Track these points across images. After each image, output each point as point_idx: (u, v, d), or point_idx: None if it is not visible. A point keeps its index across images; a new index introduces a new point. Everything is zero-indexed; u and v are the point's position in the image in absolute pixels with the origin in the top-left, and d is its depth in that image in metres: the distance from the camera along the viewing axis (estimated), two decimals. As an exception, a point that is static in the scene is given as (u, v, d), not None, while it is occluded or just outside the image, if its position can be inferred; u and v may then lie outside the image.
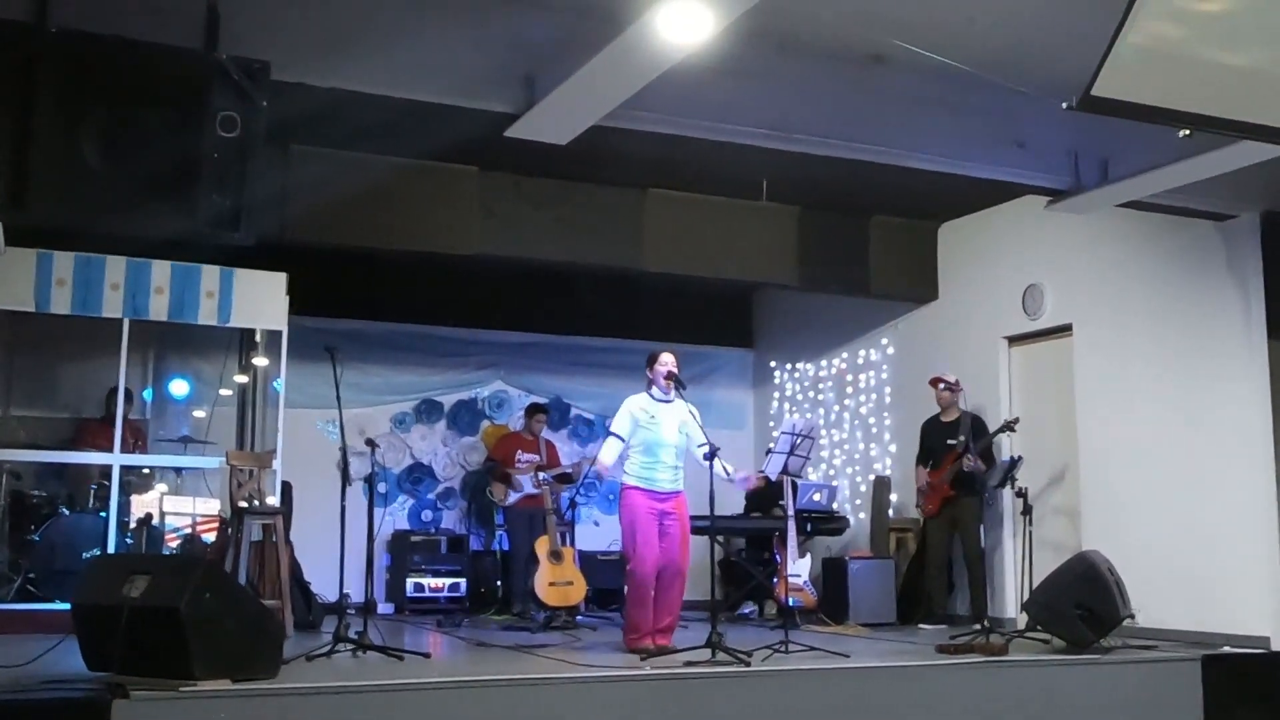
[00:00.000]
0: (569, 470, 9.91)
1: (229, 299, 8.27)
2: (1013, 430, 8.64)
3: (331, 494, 6.51)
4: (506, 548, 10.05)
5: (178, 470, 9.29)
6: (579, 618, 8.78)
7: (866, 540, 10.32)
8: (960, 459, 8.70)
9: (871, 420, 10.77)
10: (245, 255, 7.45)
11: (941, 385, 9.10)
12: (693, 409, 6.91)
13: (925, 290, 10.19)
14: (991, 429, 9.01)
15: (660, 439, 6.83)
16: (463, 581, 10.32)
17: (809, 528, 9.44)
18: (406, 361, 11.11)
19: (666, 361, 6.94)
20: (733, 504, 9.54)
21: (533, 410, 10.23)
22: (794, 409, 11.72)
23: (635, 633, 6.77)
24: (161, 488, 9.18)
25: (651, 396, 6.95)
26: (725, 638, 6.13)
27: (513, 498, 9.71)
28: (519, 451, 9.87)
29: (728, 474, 6.80)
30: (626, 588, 6.87)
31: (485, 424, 11.38)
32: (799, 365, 11.79)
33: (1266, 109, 5.00)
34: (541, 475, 9.42)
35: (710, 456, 6.51)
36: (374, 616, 6.61)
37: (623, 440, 6.86)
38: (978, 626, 7.46)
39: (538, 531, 9.00)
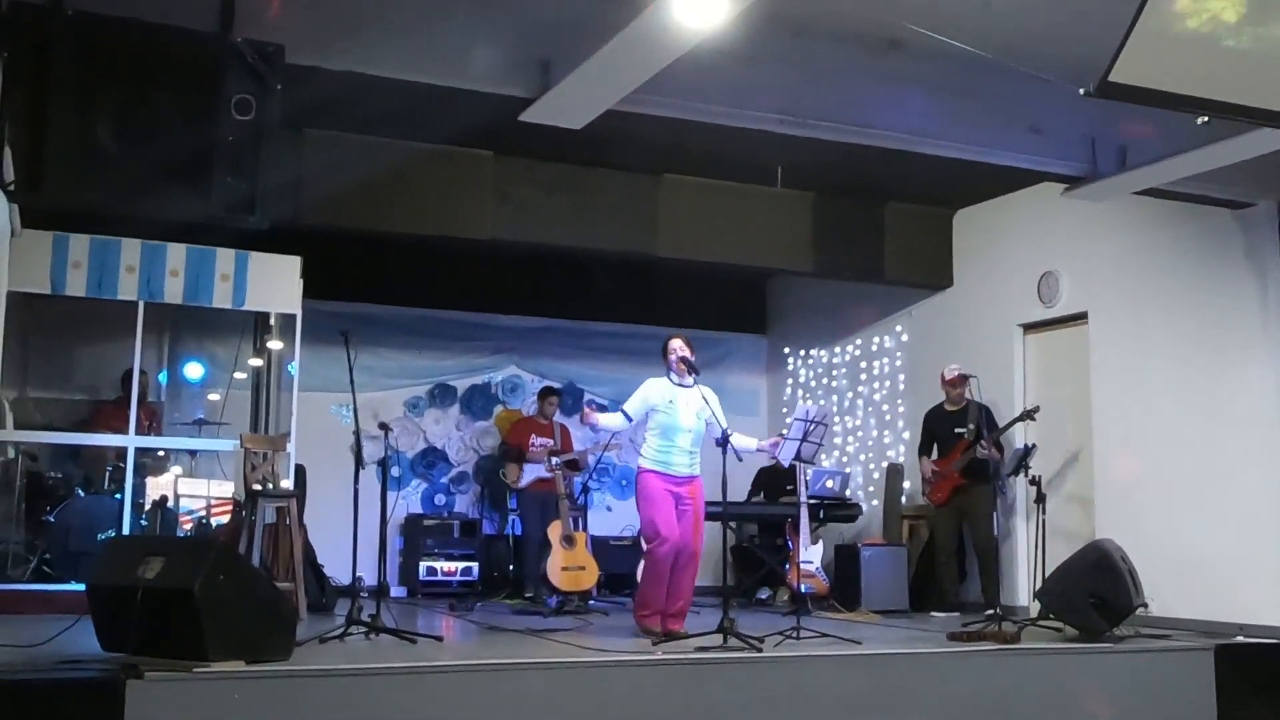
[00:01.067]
0: (576, 458, 9.91)
1: (244, 282, 8.29)
2: (1032, 419, 8.60)
3: (345, 477, 6.53)
4: (519, 532, 10.06)
5: (192, 453, 9.32)
6: (591, 602, 8.79)
7: (879, 527, 10.31)
8: (972, 447, 8.67)
9: (885, 407, 10.75)
10: (260, 239, 7.46)
11: (950, 378, 9.07)
12: (707, 394, 6.91)
13: (940, 277, 10.16)
14: (1004, 417, 9.00)
15: (677, 424, 6.82)
16: (475, 565, 10.36)
17: (822, 514, 9.44)
18: (420, 346, 11.12)
19: (676, 348, 6.93)
20: (738, 487, 9.45)
21: (545, 394, 10.24)
22: (807, 395, 11.70)
23: (646, 609, 6.78)
24: (176, 470, 9.22)
25: (671, 381, 6.96)
26: (737, 623, 6.13)
27: (526, 479, 9.72)
28: (533, 436, 9.88)
29: (752, 449, 6.96)
30: (643, 565, 6.87)
31: (499, 408, 11.40)
32: (812, 351, 11.78)
33: (1286, 96, 4.97)
34: (554, 460, 9.43)
35: (722, 442, 6.50)
36: (387, 599, 6.64)
37: (628, 419, 6.90)
38: (990, 614, 7.45)
39: (550, 515, 9.01)
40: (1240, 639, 7.06)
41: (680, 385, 6.91)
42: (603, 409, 7.07)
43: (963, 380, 9.01)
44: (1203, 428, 7.88)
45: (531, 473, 9.71)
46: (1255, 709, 6.66)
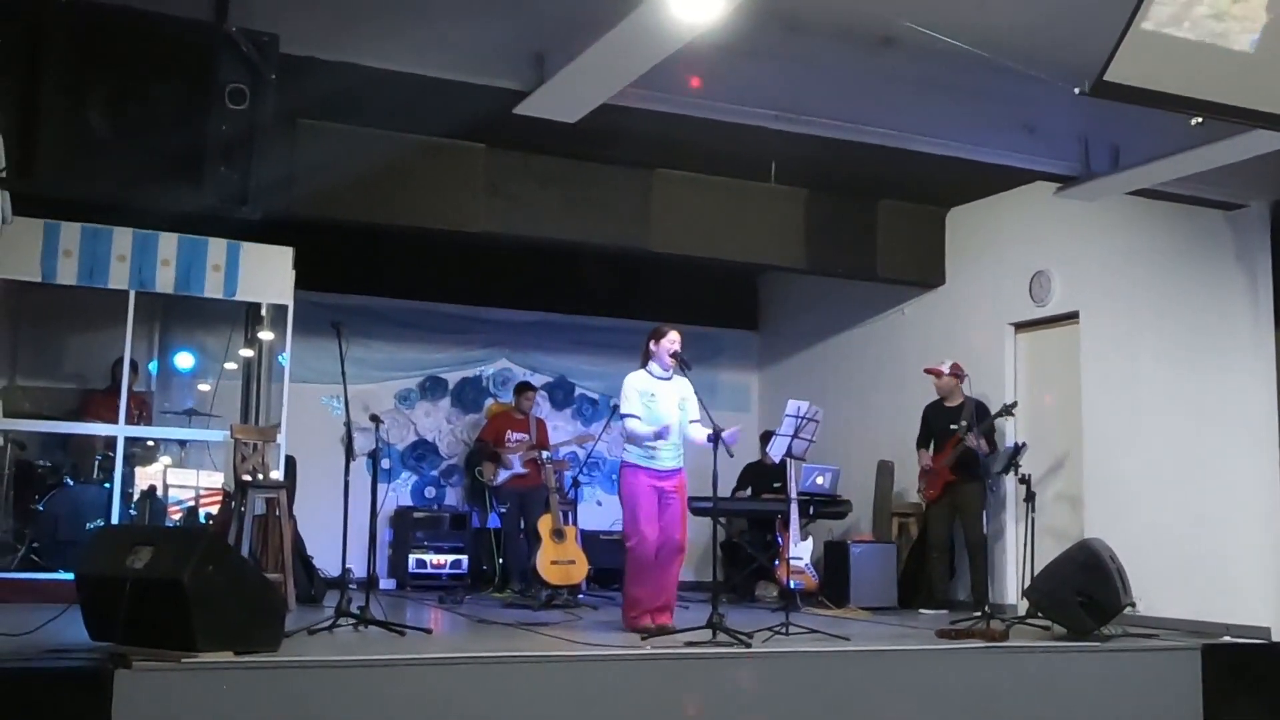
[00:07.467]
0: (569, 450, 9.86)
1: (235, 273, 8.27)
2: (1011, 414, 8.61)
3: (335, 469, 6.54)
4: (499, 525, 10.06)
5: (182, 443, 9.31)
6: (580, 596, 8.80)
7: (869, 524, 10.32)
8: (961, 441, 8.68)
9: (876, 404, 10.74)
10: (252, 229, 7.45)
11: (944, 374, 9.07)
12: (685, 386, 6.91)
13: (932, 275, 10.17)
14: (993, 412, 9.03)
15: (660, 416, 6.81)
16: (464, 558, 10.35)
17: (811, 511, 9.45)
18: (411, 338, 11.10)
19: (675, 340, 6.91)
20: (723, 483, 9.42)
21: (521, 389, 10.23)
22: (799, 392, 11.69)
23: (635, 609, 6.77)
24: (166, 460, 9.20)
25: (650, 374, 6.94)
26: (726, 619, 6.14)
27: (501, 477, 9.72)
28: (509, 431, 9.88)
29: (723, 442, 6.59)
30: (627, 565, 6.86)
31: (490, 402, 11.38)
32: (804, 348, 11.77)
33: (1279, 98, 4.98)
34: (544, 454, 9.42)
35: (713, 439, 6.49)
36: (376, 591, 6.63)
37: (638, 417, 6.81)
38: (978, 612, 7.47)
39: (529, 510, 9.01)
40: (1227, 639, 7.09)
41: (661, 378, 6.91)
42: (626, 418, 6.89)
43: (948, 375, 9.01)
44: (1192, 428, 7.90)
45: (506, 470, 9.70)
46: (1241, 709, 6.69)
